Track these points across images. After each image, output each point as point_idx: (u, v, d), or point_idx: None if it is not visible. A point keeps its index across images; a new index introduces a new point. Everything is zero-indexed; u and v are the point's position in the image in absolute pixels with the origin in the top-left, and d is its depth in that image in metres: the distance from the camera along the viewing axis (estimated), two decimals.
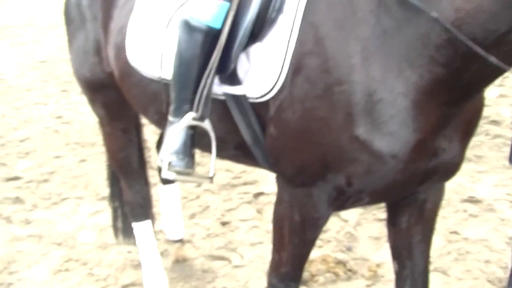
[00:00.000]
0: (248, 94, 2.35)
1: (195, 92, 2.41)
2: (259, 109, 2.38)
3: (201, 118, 2.42)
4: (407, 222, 2.62)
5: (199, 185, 5.09)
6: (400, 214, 2.63)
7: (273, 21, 2.26)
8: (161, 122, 2.87)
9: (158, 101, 2.79)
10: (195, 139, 2.49)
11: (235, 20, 2.33)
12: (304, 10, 2.18)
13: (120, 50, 2.95)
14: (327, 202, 2.35)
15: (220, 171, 5.24)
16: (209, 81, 2.35)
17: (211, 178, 2.57)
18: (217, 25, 2.35)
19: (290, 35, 2.20)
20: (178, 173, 2.43)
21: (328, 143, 2.15)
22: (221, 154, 2.60)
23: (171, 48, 2.55)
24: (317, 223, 2.47)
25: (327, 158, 2.19)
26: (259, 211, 4.78)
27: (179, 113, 2.45)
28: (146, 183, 3.85)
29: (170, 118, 2.50)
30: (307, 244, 2.56)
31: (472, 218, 4.52)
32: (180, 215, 4.16)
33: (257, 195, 5.01)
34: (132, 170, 3.71)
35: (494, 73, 1.96)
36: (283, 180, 2.45)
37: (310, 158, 2.24)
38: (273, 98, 2.28)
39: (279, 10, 2.25)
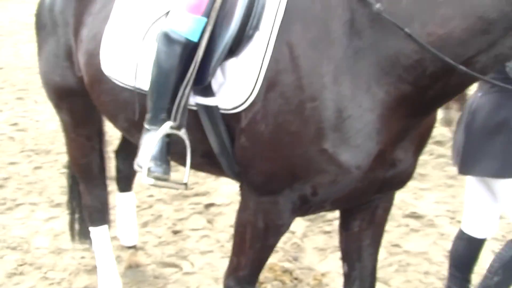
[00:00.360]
0: (221, 106, 2.46)
1: (172, 102, 2.49)
2: (230, 120, 2.47)
3: (178, 127, 2.51)
4: (358, 226, 2.79)
5: (173, 189, 5.20)
6: (352, 219, 2.79)
7: (250, 37, 2.37)
8: (130, 130, 3.00)
9: (129, 109, 2.85)
10: (170, 147, 2.57)
11: (212, 35, 2.43)
12: (280, 29, 2.30)
13: (93, 57, 3.03)
14: (291, 210, 2.49)
15: None
16: (186, 92, 2.44)
17: (185, 184, 2.65)
18: (194, 38, 2.45)
19: (265, 52, 2.31)
20: (157, 178, 2.51)
21: (298, 155, 2.29)
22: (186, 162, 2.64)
23: (147, 59, 2.65)
24: (279, 230, 2.60)
25: (296, 168, 2.33)
26: (209, 221, 4.94)
27: (156, 122, 2.53)
28: (104, 189, 3.93)
29: (147, 126, 2.59)
30: (268, 249, 2.67)
31: (413, 232, 4.75)
32: (134, 222, 4.26)
33: (208, 206, 5.17)
34: (93, 176, 3.81)
35: (456, 90, 2.20)
36: (249, 188, 2.55)
37: (279, 168, 2.36)
38: (245, 110, 2.38)
39: (256, 27, 2.36)
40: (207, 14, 2.45)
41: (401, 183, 2.60)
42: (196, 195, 5.34)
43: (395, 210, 4.89)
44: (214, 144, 2.57)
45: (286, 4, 2.32)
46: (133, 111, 2.79)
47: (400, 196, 5.10)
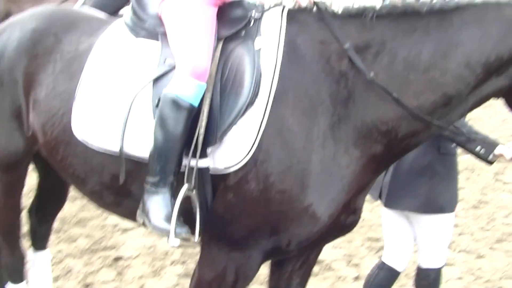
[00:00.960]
0: (212, 166, 2.63)
1: (179, 165, 2.64)
2: (216, 178, 2.66)
3: (192, 189, 2.61)
4: (293, 266, 3.08)
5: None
6: (288, 259, 3.06)
7: (251, 104, 2.59)
8: (101, 193, 3.00)
9: (105, 173, 2.89)
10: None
11: (213, 101, 2.64)
12: (275, 97, 2.58)
13: (57, 117, 2.98)
14: (261, 260, 2.76)
15: (81, 237, 5.43)
16: (197, 155, 2.58)
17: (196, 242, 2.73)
18: (196, 103, 2.61)
19: (263, 118, 2.55)
20: (183, 239, 2.58)
21: (284, 211, 2.59)
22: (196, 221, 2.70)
23: (139, 124, 2.74)
24: (249, 279, 2.81)
25: (279, 223, 2.62)
26: (119, 274, 5.06)
27: (165, 184, 2.62)
28: (22, 246, 3.88)
29: (153, 188, 2.64)
30: None
31: (312, 276, 5.13)
32: (50, 279, 4.28)
33: (117, 259, 5.27)
34: (15, 235, 3.76)
35: (413, 146, 2.77)
36: (219, 244, 2.70)
37: (263, 223, 2.62)
38: (235, 171, 2.58)
39: (256, 94, 2.59)
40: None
41: (353, 227, 2.98)
42: (105, 248, 5.42)
43: None
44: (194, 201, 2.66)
45: (280, 73, 2.62)
46: (111, 175, 2.86)
47: None
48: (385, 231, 4.07)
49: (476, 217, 6.66)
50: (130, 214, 2.91)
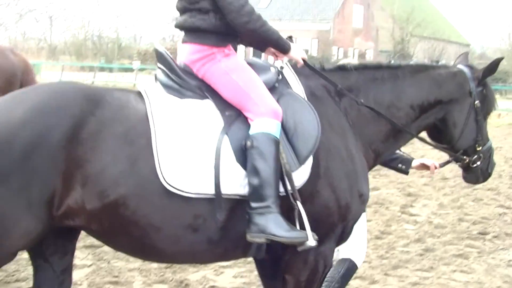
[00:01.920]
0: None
1: (277, 188, 3.25)
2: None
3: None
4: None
5: None
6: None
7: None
8: (180, 236, 3.27)
9: (191, 216, 3.24)
10: None
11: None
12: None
13: (123, 178, 3.13)
14: (335, 247, 3.71)
15: None
16: (293, 178, 3.30)
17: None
18: (277, 137, 3.30)
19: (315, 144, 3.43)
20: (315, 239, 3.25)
21: (349, 202, 3.54)
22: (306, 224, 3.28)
23: (231, 165, 3.24)
24: (331, 265, 3.85)
25: (346, 212, 3.56)
26: None
27: (275, 205, 3.21)
28: None
29: (265, 211, 3.18)
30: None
31: None
32: None
33: None
34: None
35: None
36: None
37: (338, 216, 3.52)
38: (305, 185, 3.41)
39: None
40: None
41: None
42: (17, 280, 5.66)
43: (196, 285, 5.67)
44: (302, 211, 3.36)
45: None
46: (200, 216, 3.23)
47: (202, 273, 5.91)
48: None
49: (377, 246, 7.16)
50: (207, 250, 3.38)
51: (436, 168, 4.74)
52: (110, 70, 47.51)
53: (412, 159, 4.71)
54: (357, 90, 3.78)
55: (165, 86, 3.46)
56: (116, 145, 3.16)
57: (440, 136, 4.13)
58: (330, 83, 3.69)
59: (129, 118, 3.24)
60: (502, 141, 18.85)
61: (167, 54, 3.55)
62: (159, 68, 3.55)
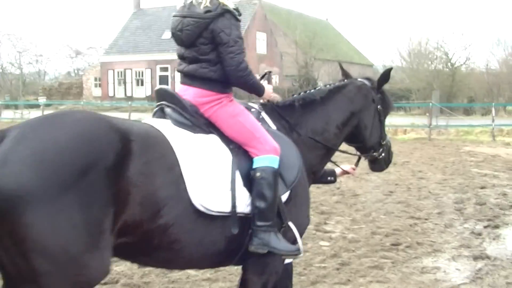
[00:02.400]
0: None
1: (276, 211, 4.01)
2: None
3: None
4: None
5: None
6: None
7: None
8: (209, 252, 3.91)
9: (218, 229, 3.87)
10: None
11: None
12: None
13: (168, 201, 3.58)
14: None
15: None
16: (284, 201, 4.12)
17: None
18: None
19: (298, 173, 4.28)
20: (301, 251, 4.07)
21: (308, 204, 4.60)
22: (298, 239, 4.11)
23: (244, 191, 3.94)
24: None
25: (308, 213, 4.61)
26: None
27: (275, 224, 3.96)
28: None
29: (269, 228, 3.91)
30: None
31: None
32: None
33: None
34: None
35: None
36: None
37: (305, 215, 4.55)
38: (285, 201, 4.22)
39: None
40: None
41: None
42: None
43: None
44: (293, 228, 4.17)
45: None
46: (224, 231, 3.89)
47: None
48: None
49: (295, 264, 7.18)
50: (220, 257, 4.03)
51: (354, 169, 5.38)
52: (16, 107, 46.40)
53: (334, 170, 5.30)
54: (300, 124, 4.59)
55: (178, 122, 4.02)
56: (160, 170, 3.59)
57: (354, 138, 5.00)
58: (286, 121, 4.55)
59: (160, 147, 3.67)
60: (409, 156, 19.46)
61: (178, 95, 4.12)
62: (170, 106, 4.11)
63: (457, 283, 6.71)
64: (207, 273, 6.74)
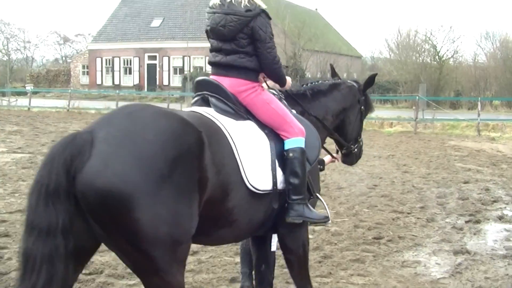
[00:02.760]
0: None
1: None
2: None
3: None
4: None
5: None
6: None
7: None
8: (251, 221, 4.42)
9: (262, 207, 4.42)
10: None
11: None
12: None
13: (232, 179, 4.10)
14: None
15: None
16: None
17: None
18: None
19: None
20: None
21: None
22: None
23: (282, 171, 4.48)
24: None
25: None
26: None
27: (307, 198, 4.61)
28: None
29: (302, 201, 4.52)
30: None
31: None
32: None
33: None
34: None
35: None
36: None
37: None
38: None
39: None
40: None
41: None
42: None
43: None
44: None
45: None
46: (267, 206, 4.45)
47: None
48: None
49: (277, 256, 7.19)
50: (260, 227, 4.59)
51: (338, 156, 6.02)
52: (3, 94, 46.14)
53: (322, 159, 5.83)
54: (309, 110, 5.22)
55: (222, 110, 4.44)
56: (225, 157, 4.08)
57: (339, 130, 5.64)
58: (301, 106, 5.16)
59: (219, 136, 4.14)
60: (394, 149, 19.65)
61: (223, 86, 4.53)
62: (214, 96, 4.52)
63: (436, 277, 6.84)
64: (191, 264, 6.82)
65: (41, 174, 3.36)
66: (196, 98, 4.66)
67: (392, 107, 41.19)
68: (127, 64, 58.50)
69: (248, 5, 4.47)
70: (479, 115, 26.95)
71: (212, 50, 4.65)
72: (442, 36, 48.12)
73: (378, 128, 27.67)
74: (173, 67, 56.40)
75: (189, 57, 52.77)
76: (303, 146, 4.56)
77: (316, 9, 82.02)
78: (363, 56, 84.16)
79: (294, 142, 4.55)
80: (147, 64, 57.15)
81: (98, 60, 59.52)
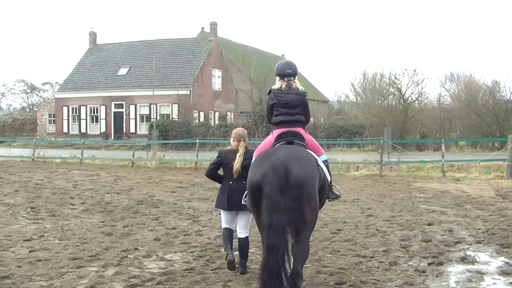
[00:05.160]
0: None
1: None
2: None
3: None
4: None
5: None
6: None
7: None
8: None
9: (324, 193, 7.79)
10: None
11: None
12: None
13: None
14: None
15: None
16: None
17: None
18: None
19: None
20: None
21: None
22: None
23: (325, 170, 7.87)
24: None
25: None
26: None
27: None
28: None
29: (332, 186, 8.30)
30: None
31: None
32: None
33: None
34: None
35: None
36: None
37: None
38: None
39: None
40: None
41: None
42: None
43: None
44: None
45: None
46: (326, 193, 7.95)
47: None
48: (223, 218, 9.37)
49: None
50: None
51: None
52: None
53: None
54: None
55: (303, 146, 7.79)
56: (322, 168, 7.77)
57: None
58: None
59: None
60: (359, 193, 19.66)
61: (301, 134, 7.98)
62: (296, 139, 7.81)
63: None
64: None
65: None
66: (283, 141, 7.73)
67: (359, 151, 41.44)
68: (94, 113, 58.30)
69: (301, 88, 8.22)
70: (443, 156, 27.18)
71: (285, 113, 7.95)
72: (407, 80, 48.38)
73: (344, 172, 27.76)
74: (139, 114, 56.28)
75: (156, 104, 52.81)
76: (326, 159, 8.11)
77: (283, 55, 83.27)
78: (329, 100, 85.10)
79: (323, 157, 7.99)
80: (114, 112, 57.05)
81: (65, 108, 59.26)
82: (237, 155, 9.09)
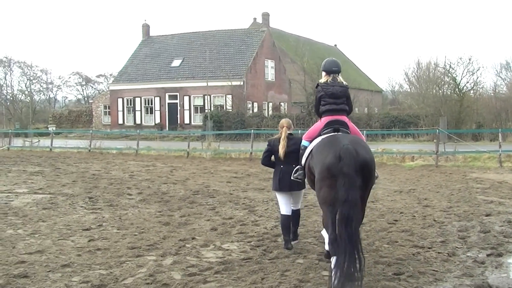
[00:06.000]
0: None
1: None
2: None
3: None
4: None
5: None
6: None
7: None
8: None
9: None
10: None
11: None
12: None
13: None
14: None
15: None
16: None
17: None
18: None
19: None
20: None
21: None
22: None
23: None
24: None
25: None
26: None
27: None
28: None
29: None
30: None
31: None
32: None
33: None
34: None
35: None
36: None
37: None
38: None
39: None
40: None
41: None
42: None
43: None
44: None
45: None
46: None
47: None
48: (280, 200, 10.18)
49: None
50: None
51: None
52: (26, 135, 46.67)
53: None
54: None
55: (347, 132, 8.66)
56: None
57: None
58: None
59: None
60: (416, 183, 19.50)
61: (347, 123, 8.86)
62: (342, 128, 8.71)
63: None
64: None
65: None
66: (330, 129, 8.65)
67: (414, 141, 40.99)
68: (148, 104, 59.06)
69: (343, 82, 9.17)
70: (500, 146, 26.72)
71: (332, 103, 8.89)
72: (462, 68, 47.42)
73: (399, 162, 27.52)
74: (193, 105, 56.78)
75: (210, 95, 53.15)
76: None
77: (335, 45, 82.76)
78: (383, 90, 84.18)
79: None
80: (168, 103, 57.67)
81: (120, 100, 60.17)
82: (280, 140, 10.05)
